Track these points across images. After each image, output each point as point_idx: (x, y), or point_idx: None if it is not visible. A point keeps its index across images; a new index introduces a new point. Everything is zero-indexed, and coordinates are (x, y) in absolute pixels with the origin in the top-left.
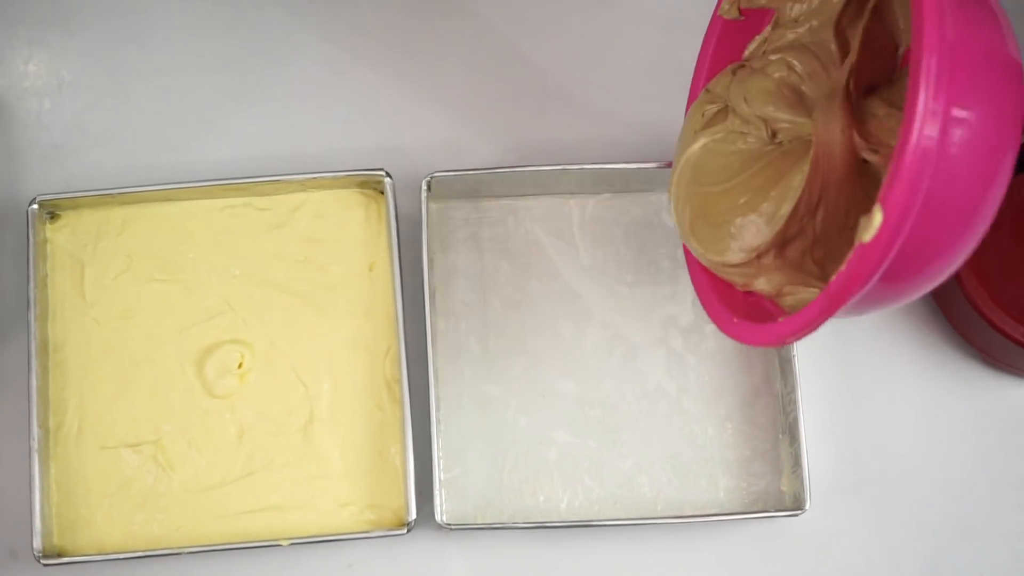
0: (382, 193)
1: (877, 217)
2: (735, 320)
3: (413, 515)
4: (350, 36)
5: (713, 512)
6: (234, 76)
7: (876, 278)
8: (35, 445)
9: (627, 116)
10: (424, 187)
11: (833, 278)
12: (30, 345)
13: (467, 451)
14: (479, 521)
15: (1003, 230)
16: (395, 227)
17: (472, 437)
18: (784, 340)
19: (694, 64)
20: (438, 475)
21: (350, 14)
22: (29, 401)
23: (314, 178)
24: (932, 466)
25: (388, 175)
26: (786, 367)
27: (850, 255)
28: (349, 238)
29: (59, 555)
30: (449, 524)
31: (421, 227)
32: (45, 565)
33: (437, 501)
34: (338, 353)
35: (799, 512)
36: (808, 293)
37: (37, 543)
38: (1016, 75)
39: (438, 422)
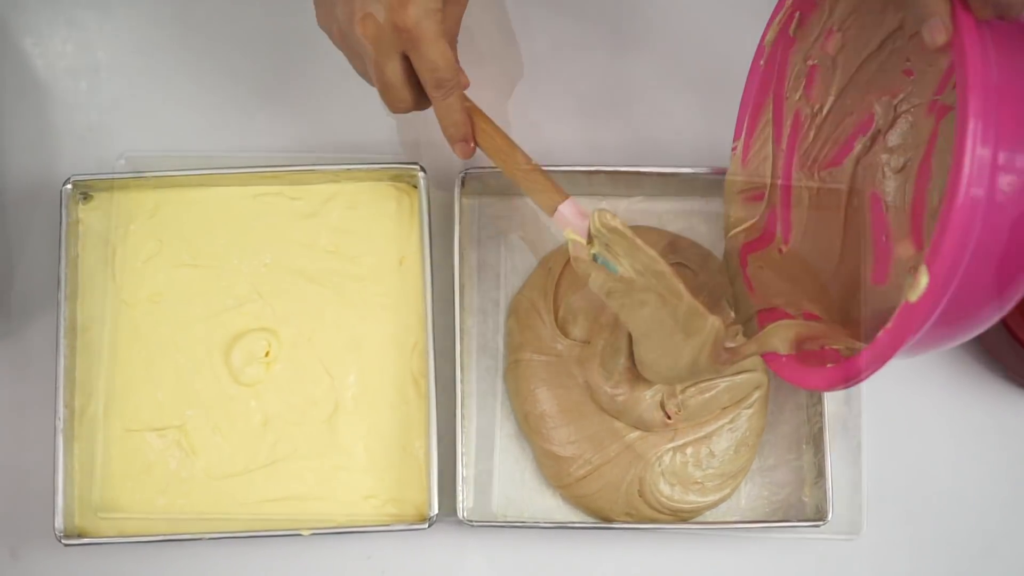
0: (415, 187)
1: (923, 279)
2: (783, 358)
3: (435, 510)
4: None
5: (734, 520)
6: (272, 64)
7: (923, 332)
8: (60, 425)
9: (663, 121)
10: (458, 183)
11: (880, 334)
12: (59, 325)
13: (491, 448)
14: (500, 519)
15: None
16: (427, 222)
17: (496, 434)
18: (831, 387)
19: (743, 81)
20: (461, 471)
21: None
22: (56, 381)
23: (348, 169)
24: (957, 483)
25: (423, 169)
26: None
27: (896, 313)
28: (380, 231)
29: (80, 536)
30: (471, 520)
31: (452, 223)
32: (66, 545)
33: (459, 497)
34: (365, 345)
35: (821, 523)
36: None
37: (59, 523)
38: None
39: (463, 418)
